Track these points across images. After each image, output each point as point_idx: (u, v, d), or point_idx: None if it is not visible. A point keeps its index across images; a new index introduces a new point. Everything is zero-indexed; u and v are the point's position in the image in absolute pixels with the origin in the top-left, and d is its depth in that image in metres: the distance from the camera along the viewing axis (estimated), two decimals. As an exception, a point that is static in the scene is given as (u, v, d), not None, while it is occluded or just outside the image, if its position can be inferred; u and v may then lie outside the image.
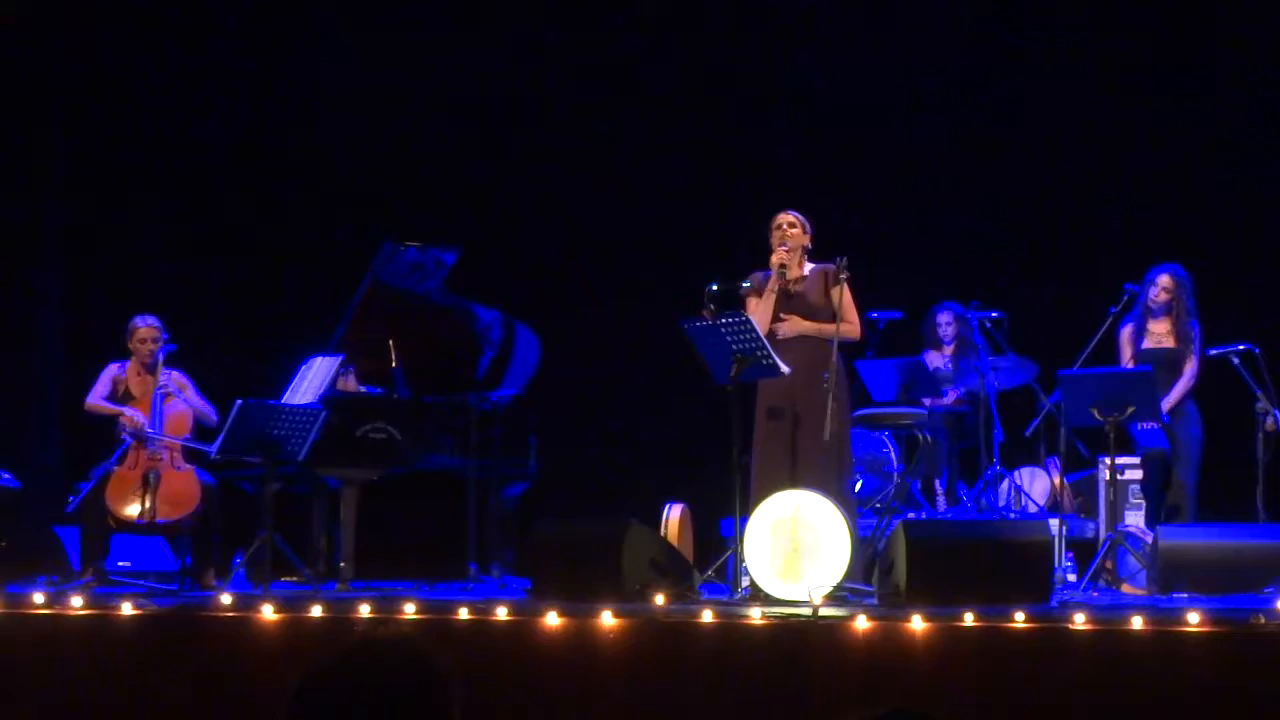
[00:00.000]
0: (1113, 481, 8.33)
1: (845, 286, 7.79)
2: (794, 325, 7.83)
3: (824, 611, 6.67)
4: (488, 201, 10.67)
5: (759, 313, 7.81)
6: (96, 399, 8.59)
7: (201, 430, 8.61)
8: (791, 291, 7.90)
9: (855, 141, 10.37)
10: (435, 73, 10.83)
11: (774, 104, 10.61)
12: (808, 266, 7.95)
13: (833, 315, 7.79)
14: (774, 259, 7.85)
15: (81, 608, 7.13)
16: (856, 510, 8.06)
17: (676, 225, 10.28)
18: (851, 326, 7.88)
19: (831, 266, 7.83)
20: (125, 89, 11.02)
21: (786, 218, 7.93)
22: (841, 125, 10.38)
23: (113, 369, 8.63)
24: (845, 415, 7.89)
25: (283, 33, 11.01)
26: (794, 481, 7.58)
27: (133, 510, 8.24)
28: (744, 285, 7.85)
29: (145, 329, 8.58)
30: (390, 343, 8.97)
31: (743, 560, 7.43)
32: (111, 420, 8.54)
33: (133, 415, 8.44)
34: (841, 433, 7.75)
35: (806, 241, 7.94)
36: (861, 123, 10.38)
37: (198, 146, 10.98)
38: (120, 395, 8.57)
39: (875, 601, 7.22)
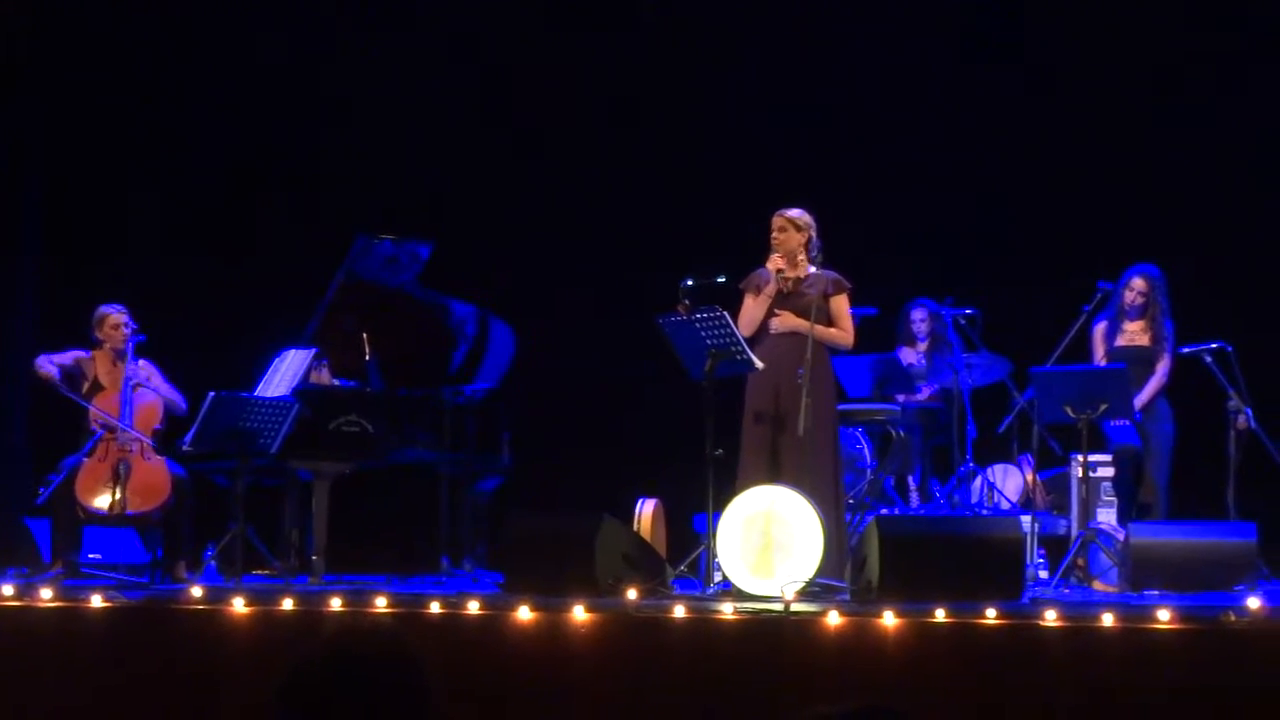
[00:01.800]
0: (1085, 479, 8.34)
1: (844, 297, 7.93)
2: (786, 320, 7.87)
3: (796, 607, 6.67)
4: (463, 195, 10.63)
5: (753, 311, 7.88)
6: (46, 363, 8.32)
7: (175, 421, 8.56)
8: (789, 290, 7.92)
9: (832, 139, 10.37)
10: (421, 68, 10.78)
11: (754, 102, 10.60)
12: (810, 269, 7.97)
13: (827, 321, 7.86)
14: (770, 264, 7.89)
15: (51, 600, 7.09)
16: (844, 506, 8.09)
17: (653, 221, 10.26)
18: (845, 335, 7.94)
19: (835, 275, 7.89)
20: (105, 79, 10.94)
21: (777, 220, 7.95)
22: (820, 124, 10.38)
23: (76, 352, 8.52)
24: (829, 412, 7.89)
25: (273, 28, 10.93)
26: (773, 478, 7.59)
27: (102, 501, 8.19)
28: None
29: (116, 315, 8.53)
30: (364, 336, 8.96)
31: (715, 555, 7.43)
32: (50, 385, 8.31)
33: (72, 395, 8.31)
34: (823, 429, 7.75)
35: (802, 240, 7.95)
36: (839, 121, 10.38)
37: (176, 141, 10.92)
38: (90, 385, 8.49)
39: (847, 597, 7.23)
